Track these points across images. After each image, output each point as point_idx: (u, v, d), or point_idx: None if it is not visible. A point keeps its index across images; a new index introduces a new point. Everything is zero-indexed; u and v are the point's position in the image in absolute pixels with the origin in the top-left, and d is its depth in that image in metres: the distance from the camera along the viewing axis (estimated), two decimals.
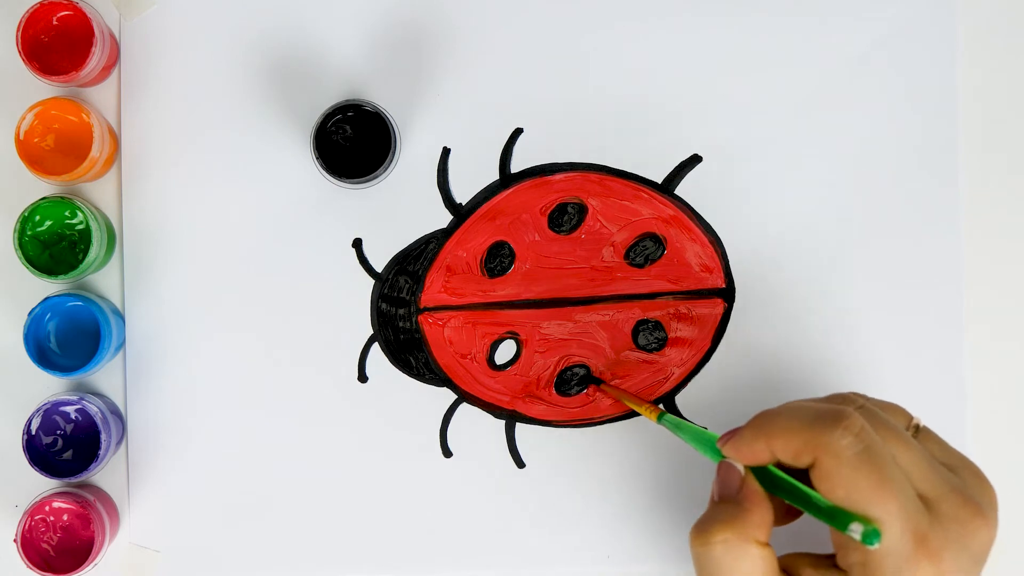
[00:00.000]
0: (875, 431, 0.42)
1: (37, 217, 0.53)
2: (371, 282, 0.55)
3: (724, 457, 0.45)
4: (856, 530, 0.39)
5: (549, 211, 0.55)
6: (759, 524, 0.43)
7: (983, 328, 0.55)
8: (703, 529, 0.43)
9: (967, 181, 0.56)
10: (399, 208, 0.55)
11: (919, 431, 0.45)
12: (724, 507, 0.44)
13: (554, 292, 0.55)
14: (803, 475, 0.43)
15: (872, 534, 0.39)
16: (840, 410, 0.42)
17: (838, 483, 0.40)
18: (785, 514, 0.46)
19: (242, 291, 0.55)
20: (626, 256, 0.55)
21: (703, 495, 0.54)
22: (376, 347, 0.55)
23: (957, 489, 0.42)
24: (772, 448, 0.43)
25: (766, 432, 0.43)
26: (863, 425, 0.41)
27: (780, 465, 0.44)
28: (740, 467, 0.44)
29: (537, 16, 0.55)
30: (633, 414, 0.55)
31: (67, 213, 0.53)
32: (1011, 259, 0.56)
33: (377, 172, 0.53)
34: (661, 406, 0.53)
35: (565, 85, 0.55)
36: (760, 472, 0.44)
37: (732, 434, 0.45)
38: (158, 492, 0.55)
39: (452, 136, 0.55)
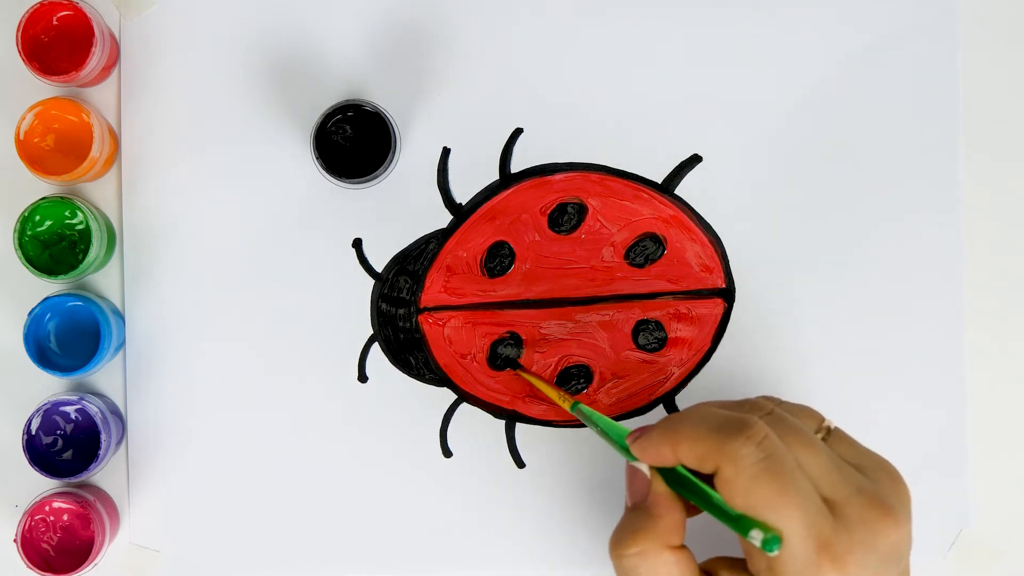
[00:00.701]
0: (781, 437, 0.42)
1: (37, 217, 0.53)
2: (371, 282, 0.55)
3: (634, 456, 0.45)
4: (756, 537, 0.39)
5: (549, 211, 0.55)
6: (671, 529, 0.43)
7: (983, 328, 0.55)
8: (618, 540, 0.43)
9: (967, 181, 0.56)
10: (399, 208, 0.55)
11: (830, 433, 0.45)
12: (636, 516, 0.44)
13: (554, 292, 0.55)
14: (710, 478, 0.43)
15: (772, 541, 0.39)
16: (744, 419, 0.42)
17: (738, 492, 0.40)
18: (694, 507, 0.46)
19: (242, 291, 0.55)
20: (626, 256, 0.55)
21: None
22: (376, 347, 0.55)
23: (864, 491, 0.42)
24: (677, 453, 0.43)
25: (672, 436, 0.43)
26: (766, 434, 0.41)
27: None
28: (646, 470, 0.44)
29: (537, 16, 0.55)
30: (633, 414, 0.55)
31: (67, 213, 0.53)
32: (1011, 259, 0.56)
33: (377, 172, 0.53)
34: (576, 401, 0.52)
35: (565, 85, 0.55)
36: (668, 472, 0.44)
37: (641, 432, 0.45)
38: (158, 492, 0.55)
39: (452, 136, 0.55)
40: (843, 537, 0.40)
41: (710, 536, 0.47)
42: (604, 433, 0.48)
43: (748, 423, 0.42)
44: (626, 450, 0.46)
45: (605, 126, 0.55)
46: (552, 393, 0.52)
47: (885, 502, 0.42)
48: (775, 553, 0.39)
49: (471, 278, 0.55)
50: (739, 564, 0.43)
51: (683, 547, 0.43)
